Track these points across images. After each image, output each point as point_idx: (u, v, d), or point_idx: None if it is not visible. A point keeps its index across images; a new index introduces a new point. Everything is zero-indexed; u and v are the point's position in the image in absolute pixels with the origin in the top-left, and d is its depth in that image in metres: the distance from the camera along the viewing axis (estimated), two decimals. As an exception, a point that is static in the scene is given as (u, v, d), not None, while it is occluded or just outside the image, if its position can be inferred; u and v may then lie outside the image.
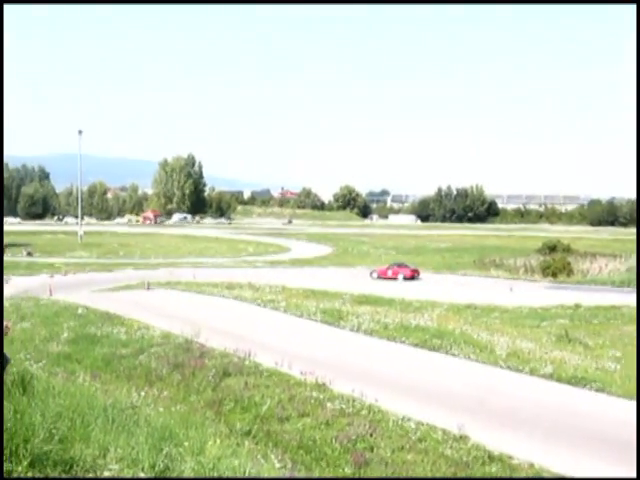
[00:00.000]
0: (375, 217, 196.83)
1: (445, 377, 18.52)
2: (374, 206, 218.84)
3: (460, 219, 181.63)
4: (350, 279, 48.59)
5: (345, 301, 34.04)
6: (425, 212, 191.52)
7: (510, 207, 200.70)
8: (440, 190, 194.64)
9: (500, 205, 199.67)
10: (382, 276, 50.37)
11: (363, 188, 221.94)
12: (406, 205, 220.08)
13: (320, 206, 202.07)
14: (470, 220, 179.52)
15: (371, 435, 12.73)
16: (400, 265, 53.12)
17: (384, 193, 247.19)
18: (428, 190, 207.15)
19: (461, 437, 12.70)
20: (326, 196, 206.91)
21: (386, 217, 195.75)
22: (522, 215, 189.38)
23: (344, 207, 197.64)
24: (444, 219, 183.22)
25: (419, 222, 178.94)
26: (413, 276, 50.93)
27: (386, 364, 19.91)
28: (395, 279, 49.37)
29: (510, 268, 62.42)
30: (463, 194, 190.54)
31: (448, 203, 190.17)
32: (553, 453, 12.25)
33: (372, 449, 12.12)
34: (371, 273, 51.95)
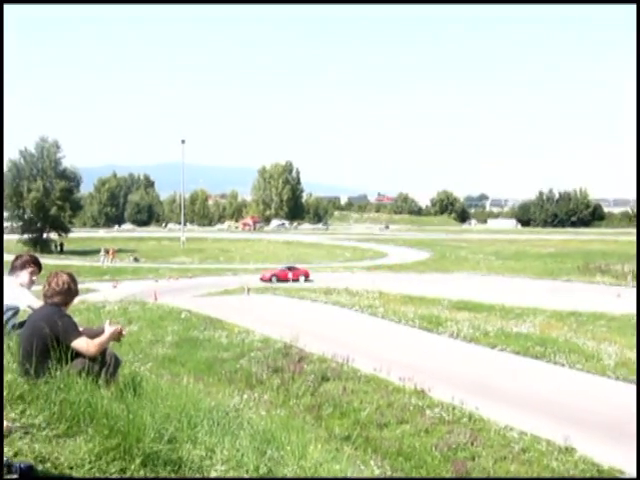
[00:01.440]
0: (474, 222, 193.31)
1: (549, 386, 17.93)
2: (472, 211, 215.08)
3: (563, 223, 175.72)
4: (448, 285, 47.84)
5: (443, 307, 33.56)
6: (526, 216, 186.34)
7: (617, 211, 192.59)
8: (541, 194, 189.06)
9: (606, 209, 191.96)
10: (281, 278, 48.93)
11: (461, 192, 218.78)
12: (506, 209, 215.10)
13: (417, 211, 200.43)
14: (573, 224, 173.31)
15: (472, 444, 12.48)
16: (290, 267, 53.02)
17: (482, 197, 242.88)
18: (528, 194, 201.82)
19: (567, 449, 12.26)
20: (423, 201, 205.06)
21: (485, 222, 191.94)
22: (630, 219, 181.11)
23: (441, 212, 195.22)
24: (545, 224, 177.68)
25: (519, 227, 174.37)
26: (297, 279, 49.50)
27: (486, 372, 19.48)
28: (297, 280, 48.83)
29: (617, 274, 59.80)
30: (566, 198, 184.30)
31: (550, 207, 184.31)
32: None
33: (473, 458, 11.87)
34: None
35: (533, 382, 18.38)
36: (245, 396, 14.63)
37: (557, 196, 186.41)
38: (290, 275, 49.71)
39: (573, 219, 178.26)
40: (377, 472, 9.89)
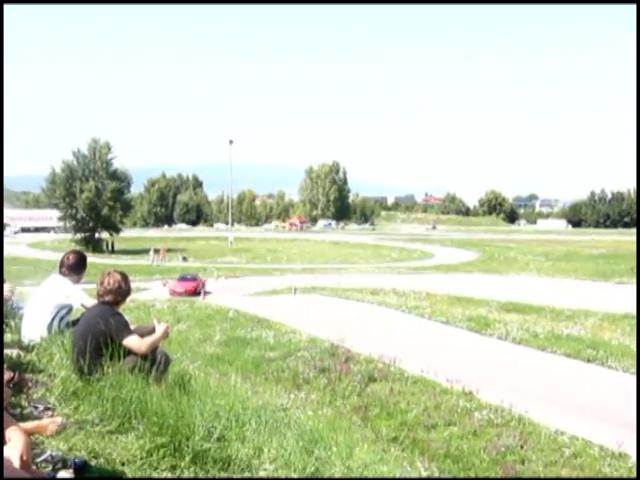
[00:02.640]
0: (523, 222, 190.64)
1: (600, 390, 17.56)
2: (521, 211, 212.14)
3: (615, 224, 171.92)
4: (496, 286, 47.25)
5: (492, 308, 33.16)
6: (577, 217, 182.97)
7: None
8: (593, 194, 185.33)
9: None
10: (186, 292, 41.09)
11: (510, 192, 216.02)
12: (556, 210, 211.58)
13: (465, 211, 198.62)
14: (626, 225, 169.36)
15: (522, 447, 12.30)
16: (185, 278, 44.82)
17: (532, 197, 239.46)
18: (580, 194, 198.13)
19: (620, 455, 11.98)
20: (471, 201, 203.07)
21: (534, 222, 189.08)
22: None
23: (490, 212, 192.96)
24: (597, 224, 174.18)
25: (570, 227, 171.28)
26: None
27: (536, 374, 19.17)
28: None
29: (672, 276, 58.22)
30: (619, 198, 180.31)
31: (602, 207, 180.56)
32: None
33: (523, 462, 11.69)
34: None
35: (584, 385, 18.03)
36: (292, 396, 14.70)
37: (609, 196, 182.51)
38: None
39: (626, 219, 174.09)
40: (424, 474, 9.83)
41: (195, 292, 40.63)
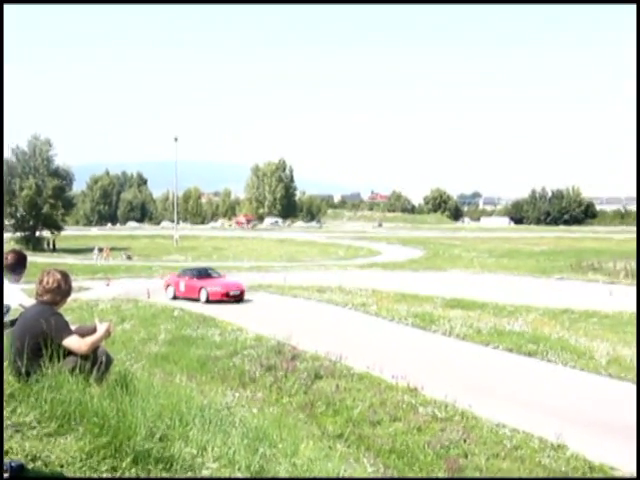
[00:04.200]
0: (467, 220, 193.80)
1: (541, 383, 17.99)
2: (466, 209, 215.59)
3: (555, 221, 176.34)
4: (441, 283, 47.91)
5: (437, 305, 33.62)
6: (519, 214, 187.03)
7: (609, 209, 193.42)
8: (534, 192, 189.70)
9: (598, 207, 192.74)
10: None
11: (454, 191, 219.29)
12: (499, 207, 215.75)
13: (410, 209, 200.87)
14: (566, 222, 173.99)
15: (465, 441, 12.51)
16: None
17: (476, 195, 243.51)
18: (521, 192, 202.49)
19: (559, 446, 12.30)
20: (416, 199, 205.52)
21: (478, 220, 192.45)
22: (622, 217, 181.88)
23: (435, 210, 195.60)
24: (538, 221, 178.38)
25: (512, 224, 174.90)
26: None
27: (479, 369, 19.54)
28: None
29: (609, 272, 59.92)
30: (559, 196, 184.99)
31: (543, 205, 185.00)
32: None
33: (466, 456, 11.90)
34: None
35: (526, 380, 18.44)
36: (237, 394, 14.64)
37: (550, 194, 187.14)
38: None
39: (566, 217, 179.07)
40: (370, 470, 9.90)
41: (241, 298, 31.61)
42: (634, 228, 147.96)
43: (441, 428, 13.23)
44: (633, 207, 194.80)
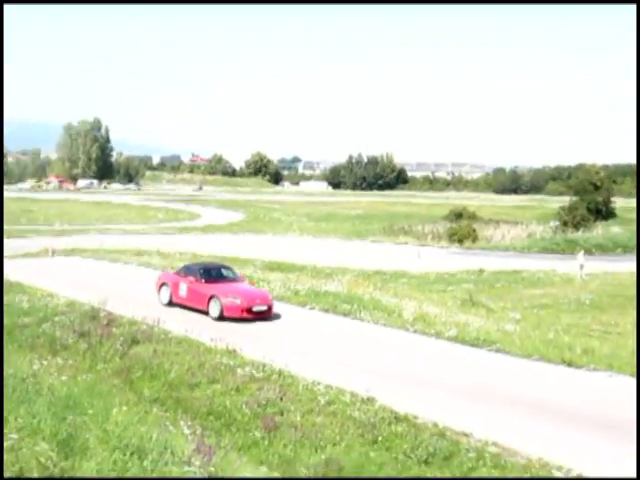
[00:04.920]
0: (287, 184, 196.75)
1: (354, 341, 18.85)
2: (286, 173, 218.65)
3: (370, 186, 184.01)
4: (261, 246, 48.48)
5: (256, 268, 33.97)
6: (336, 179, 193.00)
7: (419, 175, 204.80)
8: (351, 158, 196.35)
9: (409, 173, 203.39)
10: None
11: (274, 155, 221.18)
12: (317, 172, 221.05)
13: (231, 173, 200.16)
14: (380, 187, 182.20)
15: (281, 399, 12.85)
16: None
17: (295, 160, 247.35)
18: (340, 157, 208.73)
19: (368, 399, 12.99)
20: (237, 163, 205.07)
21: (297, 184, 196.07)
22: (430, 183, 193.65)
23: (255, 174, 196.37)
24: (355, 186, 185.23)
25: (330, 189, 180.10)
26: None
27: (295, 329, 20.10)
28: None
29: (418, 235, 63.87)
30: (374, 162, 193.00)
31: (359, 170, 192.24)
32: (456, 411, 12.72)
33: (282, 413, 12.24)
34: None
35: (340, 338, 19.23)
36: (45, 362, 14.01)
37: (366, 160, 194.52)
38: None
39: (380, 182, 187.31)
40: (187, 432, 9.91)
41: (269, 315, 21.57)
42: (441, 194, 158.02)
43: (258, 387, 13.49)
44: (440, 173, 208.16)
